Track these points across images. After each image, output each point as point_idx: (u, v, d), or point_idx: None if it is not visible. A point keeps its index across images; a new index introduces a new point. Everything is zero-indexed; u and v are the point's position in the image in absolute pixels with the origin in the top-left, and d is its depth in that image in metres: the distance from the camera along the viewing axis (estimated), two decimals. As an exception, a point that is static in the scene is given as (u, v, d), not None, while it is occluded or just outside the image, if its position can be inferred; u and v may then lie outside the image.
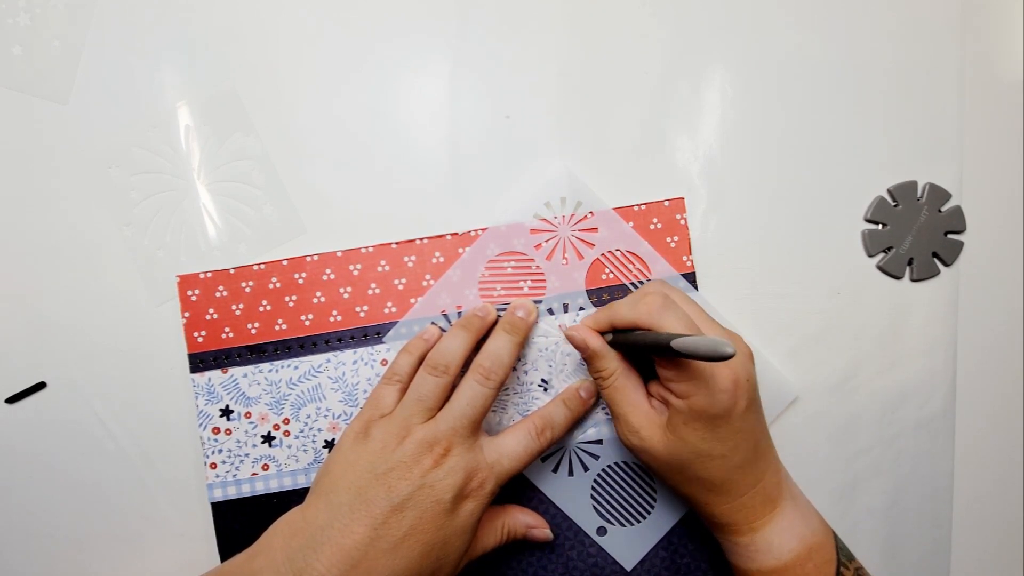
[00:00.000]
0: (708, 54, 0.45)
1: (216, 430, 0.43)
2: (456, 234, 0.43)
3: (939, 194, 0.44)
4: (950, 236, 0.45)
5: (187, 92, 0.44)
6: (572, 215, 0.43)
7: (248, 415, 0.43)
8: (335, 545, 0.33)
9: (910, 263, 0.45)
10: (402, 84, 0.44)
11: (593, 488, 0.43)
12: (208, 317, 0.43)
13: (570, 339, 0.40)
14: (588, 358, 0.39)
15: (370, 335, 0.43)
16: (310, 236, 0.44)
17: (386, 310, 0.43)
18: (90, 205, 0.44)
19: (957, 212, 0.45)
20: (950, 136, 0.45)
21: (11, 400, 0.44)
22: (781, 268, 0.44)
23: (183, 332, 0.43)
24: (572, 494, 0.43)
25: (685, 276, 0.43)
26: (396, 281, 0.43)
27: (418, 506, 0.35)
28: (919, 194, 0.45)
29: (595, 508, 0.43)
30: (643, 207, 0.43)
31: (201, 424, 0.43)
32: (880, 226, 0.45)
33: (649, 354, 0.37)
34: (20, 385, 0.44)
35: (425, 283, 0.43)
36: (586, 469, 0.43)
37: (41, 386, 0.44)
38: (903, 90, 0.45)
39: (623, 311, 0.38)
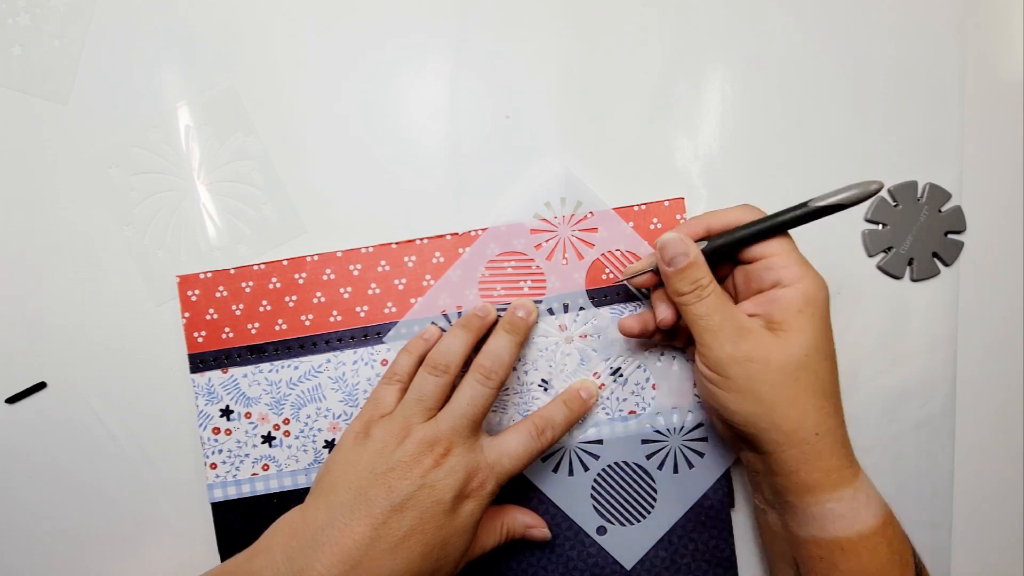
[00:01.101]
0: (708, 54, 0.45)
1: (216, 430, 0.43)
2: (456, 234, 0.43)
3: (939, 194, 0.44)
4: (950, 236, 0.45)
5: (187, 92, 0.44)
6: (572, 215, 0.43)
7: (248, 415, 0.43)
8: (335, 545, 0.33)
9: (910, 263, 0.45)
10: (402, 84, 0.44)
11: (593, 488, 0.43)
12: (208, 317, 0.43)
13: (664, 247, 0.36)
14: (682, 271, 0.36)
15: (370, 335, 0.43)
16: (310, 236, 0.44)
17: (386, 310, 0.43)
18: (90, 205, 0.44)
19: (957, 212, 0.45)
20: (950, 136, 0.45)
21: (11, 400, 0.44)
22: (781, 268, 0.44)
23: (183, 332, 0.43)
24: (572, 494, 0.43)
25: None
26: (396, 281, 0.43)
27: (418, 506, 0.34)
28: (919, 194, 0.45)
29: (595, 508, 0.43)
30: (643, 207, 0.43)
31: (201, 424, 0.43)
32: (880, 226, 0.45)
33: (757, 240, 0.36)
34: (20, 385, 0.44)
35: (425, 283, 0.43)
36: (586, 469, 0.43)
37: (41, 386, 0.44)
38: (903, 90, 0.45)
39: (720, 214, 0.37)
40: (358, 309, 0.43)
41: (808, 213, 0.34)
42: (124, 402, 0.44)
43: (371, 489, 0.35)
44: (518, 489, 0.43)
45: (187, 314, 0.43)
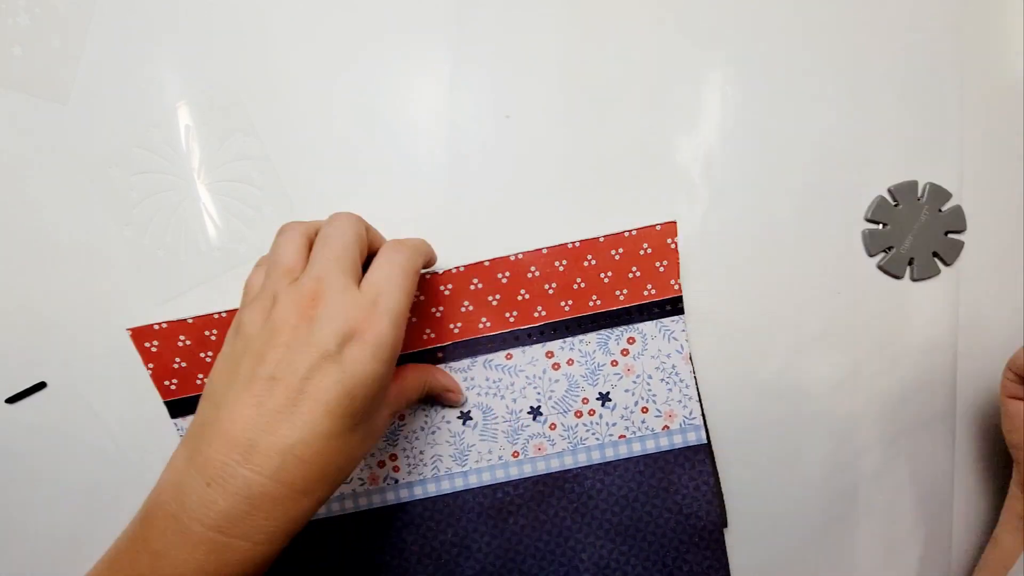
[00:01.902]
0: (708, 54, 0.45)
1: None
2: (436, 273, 0.43)
3: (939, 194, 0.44)
4: (950, 236, 0.45)
5: (187, 92, 0.44)
6: (558, 244, 0.43)
7: None
8: (224, 435, 0.30)
9: (910, 263, 0.45)
10: (402, 84, 0.44)
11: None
12: (176, 366, 0.43)
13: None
14: None
15: None
16: (310, 236, 0.44)
17: None
18: (90, 205, 0.44)
19: (957, 212, 0.45)
20: (950, 136, 0.45)
21: (11, 400, 0.44)
22: (781, 268, 0.44)
23: (151, 383, 0.43)
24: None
25: (672, 300, 0.43)
26: None
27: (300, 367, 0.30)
28: (919, 194, 0.45)
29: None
30: (634, 233, 0.43)
31: None
32: (880, 226, 0.45)
33: None
34: (20, 385, 0.44)
35: None
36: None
37: (41, 386, 0.44)
38: (903, 90, 0.45)
39: None
40: None
41: None
42: (124, 402, 0.44)
43: (248, 371, 0.30)
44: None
45: (151, 365, 0.43)
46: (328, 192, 0.44)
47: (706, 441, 0.43)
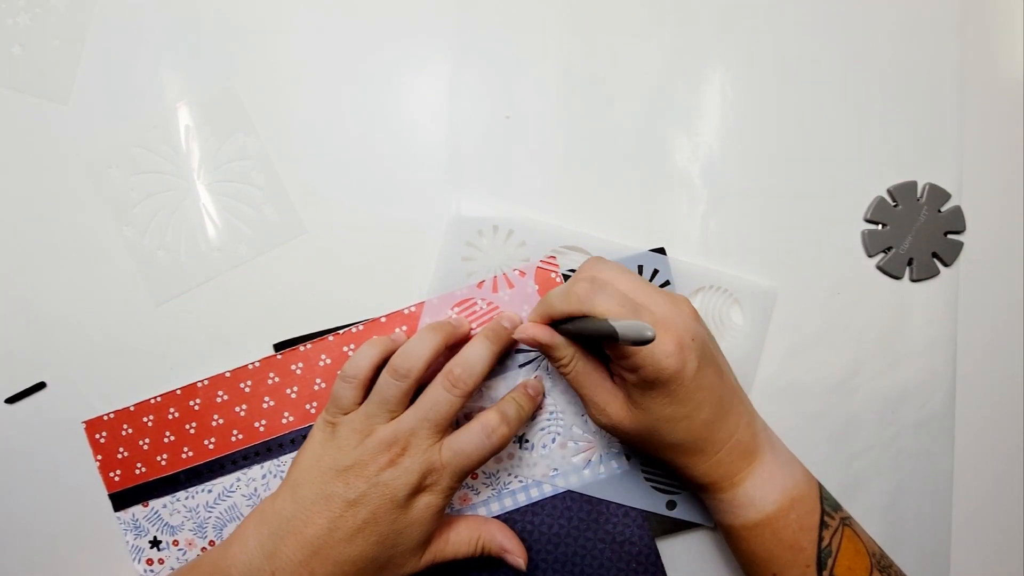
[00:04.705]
0: (708, 54, 0.45)
1: (150, 561, 0.44)
2: (338, 333, 0.43)
3: (939, 194, 0.44)
4: (950, 236, 0.45)
5: (187, 92, 0.44)
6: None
7: (176, 543, 0.44)
8: (298, 534, 0.36)
9: (910, 263, 0.45)
10: (402, 84, 0.44)
11: (644, 471, 0.43)
12: (119, 456, 0.43)
13: (519, 339, 0.40)
14: (544, 352, 0.40)
15: (273, 448, 0.43)
16: (310, 236, 0.44)
17: (284, 420, 0.43)
18: (90, 205, 0.44)
19: (957, 212, 0.45)
20: (950, 136, 0.45)
21: (11, 400, 0.44)
22: (781, 268, 0.44)
23: (99, 475, 0.43)
24: (628, 487, 0.43)
25: None
26: (288, 391, 0.43)
27: (372, 502, 0.37)
28: (919, 194, 0.45)
29: (656, 488, 0.43)
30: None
31: (134, 558, 0.44)
32: (880, 226, 0.45)
33: (594, 339, 0.37)
34: (20, 385, 0.44)
35: (317, 387, 0.43)
36: (629, 458, 0.43)
37: (41, 386, 0.44)
38: (903, 90, 0.45)
39: (556, 304, 0.38)
40: (257, 424, 0.43)
41: (612, 337, 0.32)
42: (123, 402, 0.44)
43: (331, 485, 0.37)
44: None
45: (99, 457, 0.43)
46: (328, 192, 0.44)
47: (628, 468, 0.43)
